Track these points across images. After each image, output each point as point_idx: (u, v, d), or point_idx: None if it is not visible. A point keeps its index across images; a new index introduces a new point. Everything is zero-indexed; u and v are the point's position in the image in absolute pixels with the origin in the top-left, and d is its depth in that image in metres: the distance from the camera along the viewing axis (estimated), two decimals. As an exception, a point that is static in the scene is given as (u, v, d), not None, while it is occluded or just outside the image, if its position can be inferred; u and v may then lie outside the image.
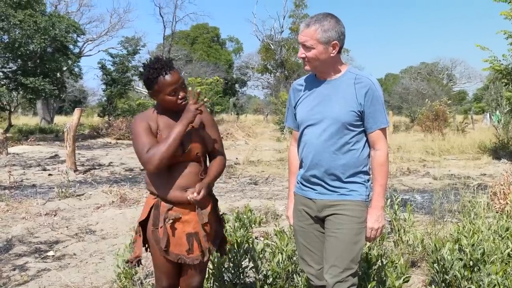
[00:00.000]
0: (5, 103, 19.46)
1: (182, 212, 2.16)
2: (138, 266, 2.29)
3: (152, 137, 2.13)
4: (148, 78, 2.13)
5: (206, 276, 3.02)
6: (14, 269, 3.92)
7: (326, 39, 2.08)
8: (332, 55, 2.13)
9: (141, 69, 2.23)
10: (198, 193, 2.07)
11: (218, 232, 2.34)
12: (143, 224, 2.23)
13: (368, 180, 2.22)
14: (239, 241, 3.06)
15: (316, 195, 2.21)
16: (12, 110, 20.64)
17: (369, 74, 2.20)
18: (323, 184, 2.19)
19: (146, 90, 2.23)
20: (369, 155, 2.22)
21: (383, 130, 2.18)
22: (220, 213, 2.43)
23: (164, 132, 2.15)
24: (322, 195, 2.20)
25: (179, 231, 2.16)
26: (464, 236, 3.15)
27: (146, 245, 2.27)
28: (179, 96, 2.15)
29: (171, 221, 2.14)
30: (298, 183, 2.33)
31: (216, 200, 2.35)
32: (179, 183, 2.14)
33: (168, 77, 2.10)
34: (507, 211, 4.74)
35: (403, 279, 2.78)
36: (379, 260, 3.06)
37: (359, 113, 2.13)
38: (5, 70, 18.81)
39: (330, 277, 2.14)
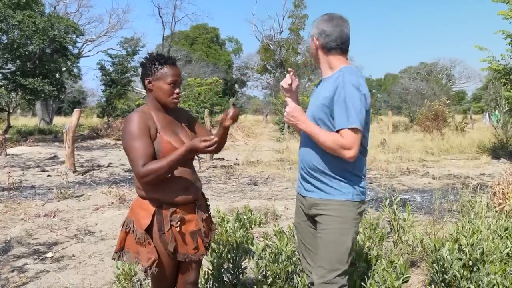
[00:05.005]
0: (4, 104, 19.44)
1: (183, 212, 2.17)
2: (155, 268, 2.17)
3: (149, 143, 2.06)
4: (153, 61, 2.14)
5: (206, 276, 3.02)
6: (12, 271, 3.91)
7: (312, 33, 2.24)
8: (315, 49, 2.23)
9: (143, 59, 2.18)
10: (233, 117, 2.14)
11: (212, 227, 2.40)
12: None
13: (357, 181, 2.16)
14: (238, 241, 3.06)
15: (306, 193, 2.26)
16: (11, 111, 20.61)
17: (354, 74, 2.08)
18: (309, 180, 2.22)
19: (144, 77, 2.15)
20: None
21: (352, 130, 2.01)
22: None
23: (165, 132, 2.13)
24: (310, 193, 2.23)
25: (184, 231, 2.18)
26: (464, 236, 3.15)
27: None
28: (175, 91, 2.17)
29: (179, 223, 2.14)
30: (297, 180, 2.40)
31: (207, 199, 2.42)
32: (182, 184, 2.16)
33: (172, 68, 2.17)
34: (507, 211, 4.74)
35: (403, 279, 2.78)
36: (379, 260, 3.06)
37: (329, 110, 2.08)
38: (3, 71, 18.77)
39: (317, 278, 2.16)
